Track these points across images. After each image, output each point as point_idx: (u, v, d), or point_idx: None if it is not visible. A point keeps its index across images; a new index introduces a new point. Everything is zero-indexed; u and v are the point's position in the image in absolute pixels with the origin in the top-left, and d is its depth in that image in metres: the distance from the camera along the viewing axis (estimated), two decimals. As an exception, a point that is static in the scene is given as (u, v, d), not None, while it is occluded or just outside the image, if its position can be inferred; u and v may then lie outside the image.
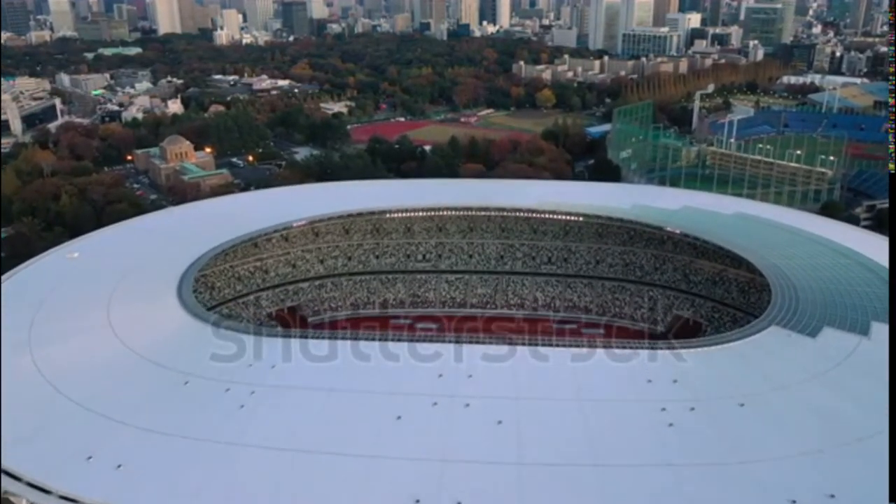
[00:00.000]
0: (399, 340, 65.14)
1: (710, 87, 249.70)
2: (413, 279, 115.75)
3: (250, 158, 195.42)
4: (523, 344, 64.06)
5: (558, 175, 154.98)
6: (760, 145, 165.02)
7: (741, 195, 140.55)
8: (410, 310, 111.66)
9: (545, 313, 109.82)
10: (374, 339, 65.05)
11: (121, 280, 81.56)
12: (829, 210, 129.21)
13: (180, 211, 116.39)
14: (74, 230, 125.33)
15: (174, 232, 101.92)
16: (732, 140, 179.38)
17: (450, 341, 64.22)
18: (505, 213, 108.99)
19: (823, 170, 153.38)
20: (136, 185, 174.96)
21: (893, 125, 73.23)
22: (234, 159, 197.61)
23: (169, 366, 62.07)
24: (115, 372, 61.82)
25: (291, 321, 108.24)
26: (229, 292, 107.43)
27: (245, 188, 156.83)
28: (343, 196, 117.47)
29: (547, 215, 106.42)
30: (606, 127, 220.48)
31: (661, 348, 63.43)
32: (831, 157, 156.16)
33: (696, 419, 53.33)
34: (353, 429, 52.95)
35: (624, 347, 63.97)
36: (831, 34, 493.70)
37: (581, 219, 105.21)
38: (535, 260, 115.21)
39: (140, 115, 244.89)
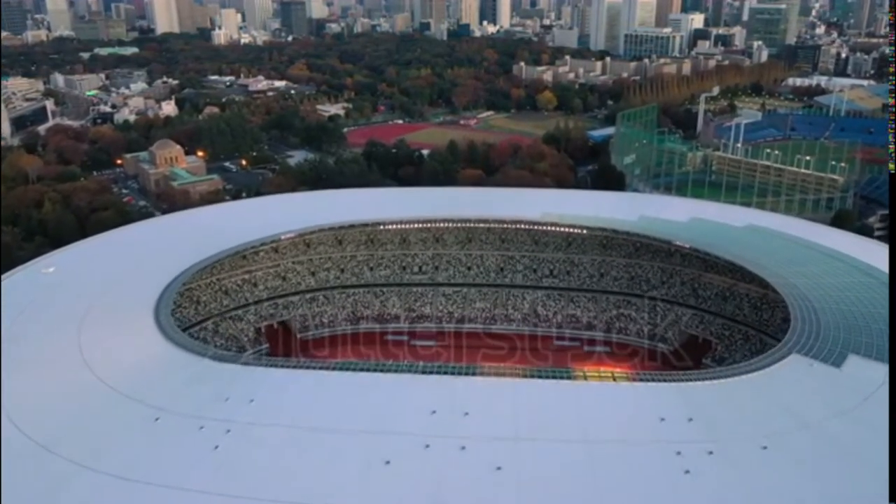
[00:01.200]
0: (388, 371, 59.93)
1: (716, 90, 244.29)
2: (409, 292, 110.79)
3: (243, 163, 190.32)
4: (524, 375, 58.90)
5: (560, 182, 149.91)
6: (768, 150, 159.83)
7: (750, 204, 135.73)
8: (406, 325, 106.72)
9: (547, 329, 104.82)
10: (361, 370, 59.98)
11: (96, 299, 76.92)
12: (841, 220, 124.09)
13: (166, 221, 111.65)
14: (57, 240, 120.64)
15: (158, 244, 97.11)
16: (739, 145, 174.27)
17: (444, 372, 59.05)
18: (505, 226, 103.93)
19: (834, 176, 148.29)
20: (125, 191, 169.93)
21: (893, 125, 73.53)
22: (227, 163, 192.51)
23: (140, 399, 57.15)
24: (82, 407, 56.93)
25: (281, 337, 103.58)
26: (216, 307, 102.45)
27: (236, 194, 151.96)
28: (336, 205, 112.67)
29: (549, 228, 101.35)
30: (609, 130, 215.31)
31: (674, 380, 58.40)
32: (842, 164, 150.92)
33: (715, 465, 48.35)
34: (338, 475, 47.99)
35: (633, 379, 58.78)
36: (835, 35, 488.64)
37: (585, 231, 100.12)
38: (536, 272, 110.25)
39: (133, 117, 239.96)
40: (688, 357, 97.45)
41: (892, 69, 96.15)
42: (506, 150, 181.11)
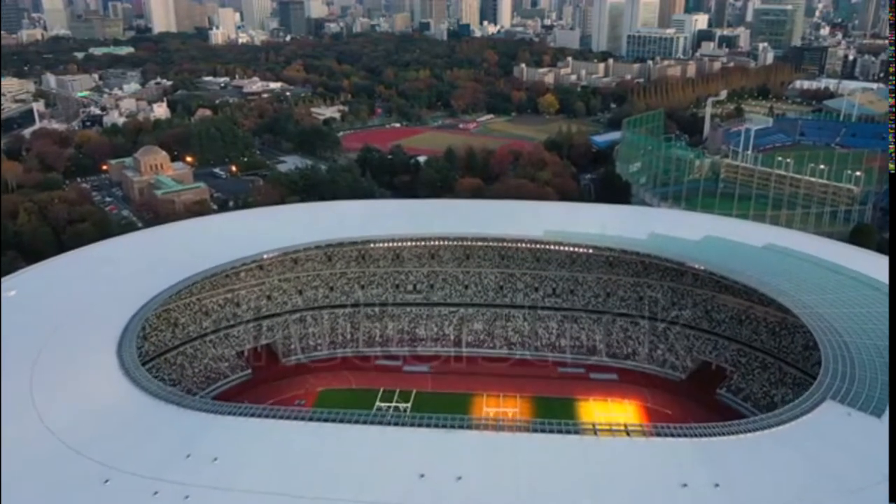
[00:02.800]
0: (373, 423, 52.95)
1: (723, 94, 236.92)
2: (402, 312, 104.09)
3: (233, 169, 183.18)
4: (525, 429, 51.99)
5: (563, 191, 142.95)
6: (780, 157, 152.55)
7: (764, 217, 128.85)
8: (398, 348, 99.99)
9: (549, 355, 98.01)
10: (342, 421, 53.01)
11: (57, 328, 70.16)
12: (861, 235, 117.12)
13: (144, 236, 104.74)
14: (32, 254, 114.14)
15: (133, 262, 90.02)
16: (749, 152, 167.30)
17: (436, 425, 52.16)
18: (505, 244, 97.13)
19: (850, 186, 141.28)
20: (108, 199, 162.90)
21: (893, 125, 72.74)
22: (217, 169, 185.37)
23: (90, 455, 50.52)
24: (25, 464, 50.19)
25: (265, 361, 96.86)
26: (195, 329, 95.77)
27: (223, 204, 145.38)
28: (326, 219, 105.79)
29: (552, 247, 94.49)
30: (613, 135, 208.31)
31: (695, 434, 51.52)
32: (857, 173, 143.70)
33: (749, 545, 41.57)
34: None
35: (649, 433, 51.85)
36: (839, 36, 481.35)
37: (591, 251, 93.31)
38: (537, 291, 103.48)
39: (123, 120, 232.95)
40: (701, 386, 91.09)
41: (892, 69, 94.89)
42: (506, 157, 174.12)
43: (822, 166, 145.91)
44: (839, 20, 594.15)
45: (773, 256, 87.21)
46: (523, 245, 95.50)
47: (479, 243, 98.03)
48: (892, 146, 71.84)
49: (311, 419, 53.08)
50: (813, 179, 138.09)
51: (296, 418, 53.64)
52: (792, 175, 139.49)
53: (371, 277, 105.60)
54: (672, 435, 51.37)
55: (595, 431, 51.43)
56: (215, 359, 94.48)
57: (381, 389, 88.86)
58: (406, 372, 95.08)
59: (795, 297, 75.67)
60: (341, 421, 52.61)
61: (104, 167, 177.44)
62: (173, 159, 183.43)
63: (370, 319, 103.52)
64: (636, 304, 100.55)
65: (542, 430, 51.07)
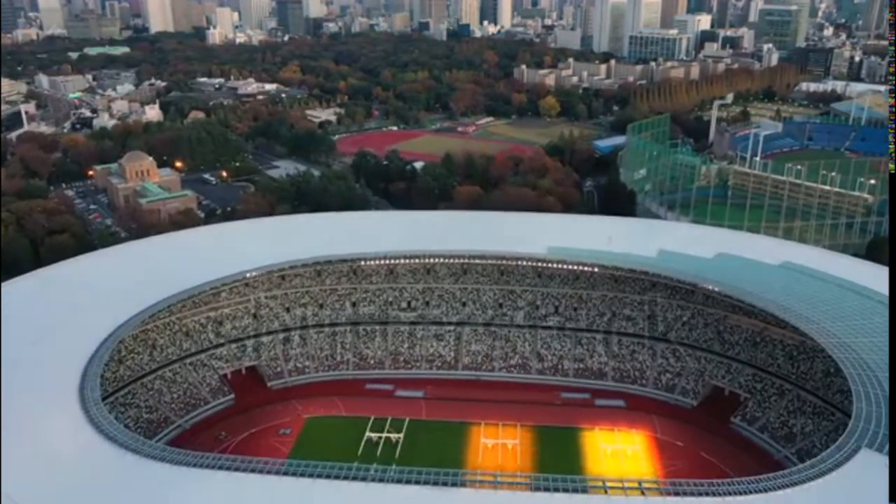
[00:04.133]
0: (354, 479, 46.96)
1: (730, 97, 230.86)
2: (395, 332, 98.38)
3: (224, 174, 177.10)
4: (526, 487, 46.14)
5: (565, 200, 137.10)
6: (790, 164, 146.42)
7: (776, 227, 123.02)
8: (391, 371, 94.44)
9: (551, 378, 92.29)
10: (320, 476, 47.09)
11: (16, 361, 63.82)
12: (879, 249, 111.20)
13: (123, 252, 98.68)
14: (8, 267, 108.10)
15: (108, 281, 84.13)
16: (758, 158, 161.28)
17: (425, 481, 46.24)
18: (505, 262, 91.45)
19: (864, 195, 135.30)
20: (92, 206, 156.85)
21: (893, 125, 72.75)
22: (207, 175, 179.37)
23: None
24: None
25: (249, 386, 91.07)
26: (174, 351, 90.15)
27: (211, 213, 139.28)
28: (315, 233, 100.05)
29: (556, 265, 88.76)
30: (616, 140, 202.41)
31: (720, 493, 45.66)
32: (872, 181, 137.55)
33: None
34: None
35: (667, 492, 45.92)
36: (843, 36, 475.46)
37: (597, 270, 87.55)
38: (539, 310, 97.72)
39: (113, 123, 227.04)
40: (713, 414, 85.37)
41: (892, 69, 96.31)
42: (506, 163, 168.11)
43: (833, 174, 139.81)
44: (843, 20, 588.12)
45: (791, 277, 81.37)
46: (525, 263, 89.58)
47: (478, 261, 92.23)
48: (892, 146, 71.70)
49: (285, 473, 47.10)
50: (827, 188, 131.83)
51: (268, 472, 47.67)
52: (806, 183, 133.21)
53: (363, 294, 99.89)
54: (692, 493, 45.50)
55: (605, 489, 45.66)
56: (196, 383, 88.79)
57: (372, 418, 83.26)
58: (399, 397, 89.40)
59: (820, 325, 69.88)
60: (319, 476, 46.64)
61: (90, 173, 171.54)
62: (163, 164, 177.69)
63: (362, 339, 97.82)
64: (644, 323, 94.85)
65: (545, 489, 45.17)
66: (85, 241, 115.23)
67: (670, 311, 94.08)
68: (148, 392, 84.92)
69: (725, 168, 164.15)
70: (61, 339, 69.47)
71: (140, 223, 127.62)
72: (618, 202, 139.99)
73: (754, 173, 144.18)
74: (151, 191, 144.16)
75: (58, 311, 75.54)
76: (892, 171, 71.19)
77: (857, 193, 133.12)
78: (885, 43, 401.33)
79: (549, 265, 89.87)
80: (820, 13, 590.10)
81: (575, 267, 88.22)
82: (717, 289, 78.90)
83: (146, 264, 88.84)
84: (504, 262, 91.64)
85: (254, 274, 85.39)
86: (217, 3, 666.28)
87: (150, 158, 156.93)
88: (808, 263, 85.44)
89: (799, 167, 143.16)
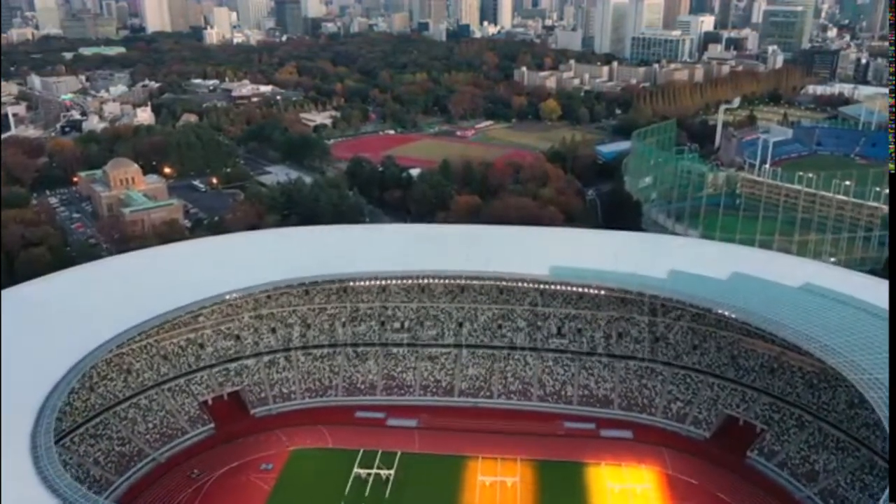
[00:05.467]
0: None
1: (736, 102, 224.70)
2: (388, 354, 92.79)
3: (214, 181, 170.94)
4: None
5: (567, 210, 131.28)
6: (801, 172, 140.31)
7: (792, 243, 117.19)
8: (383, 397, 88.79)
9: (554, 406, 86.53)
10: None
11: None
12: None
13: (98, 268, 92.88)
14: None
15: (77, 303, 78.28)
16: (767, 165, 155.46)
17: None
18: (504, 283, 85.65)
19: (881, 206, 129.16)
20: (76, 215, 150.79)
21: (893, 125, 73.43)
22: (197, 182, 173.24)
23: None
24: None
25: (231, 414, 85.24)
26: (151, 376, 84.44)
27: (197, 223, 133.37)
28: (303, 249, 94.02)
29: (559, 287, 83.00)
30: (619, 145, 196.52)
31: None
32: (886, 190, 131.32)
33: None
34: None
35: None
36: (847, 38, 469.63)
37: (603, 292, 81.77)
38: (541, 331, 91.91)
39: (102, 126, 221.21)
40: (728, 447, 79.54)
41: (892, 69, 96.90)
42: (505, 170, 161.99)
43: (848, 182, 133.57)
44: (846, 21, 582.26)
45: (812, 301, 75.31)
46: (526, 284, 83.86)
47: (475, 282, 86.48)
48: (892, 146, 72.18)
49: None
50: (844, 198, 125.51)
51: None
52: (822, 193, 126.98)
53: (353, 314, 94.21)
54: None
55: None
56: (174, 411, 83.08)
57: (361, 450, 77.75)
58: (390, 427, 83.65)
59: (847, 357, 64.00)
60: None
61: (76, 179, 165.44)
62: (151, 170, 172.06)
63: (352, 362, 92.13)
64: (652, 346, 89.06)
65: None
66: (63, 255, 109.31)
67: (680, 333, 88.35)
68: (121, 422, 79.31)
69: (733, 175, 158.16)
70: (23, 368, 63.51)
71: (122, 234, 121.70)
72: (622, 213, 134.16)
73: (768, 183, 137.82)
74: (136, 200, 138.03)
75: (23, 335, 69.70)
76: (892, 171, 71.79)
77: (874, 204, 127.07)
78: (886, 44, 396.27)
79: (553, 288, 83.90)
80: (823, 14, 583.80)
81: (580, 289, 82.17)
82: (734, 315, 72.93)
83: (121, 284, 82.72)
84: (504, 283, 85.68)
85: (234, 296, 79.33)
86: (215, 2, 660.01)
87: (136, 165, 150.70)
88: (830, 284, 79.30)
89: (811, 175, 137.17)
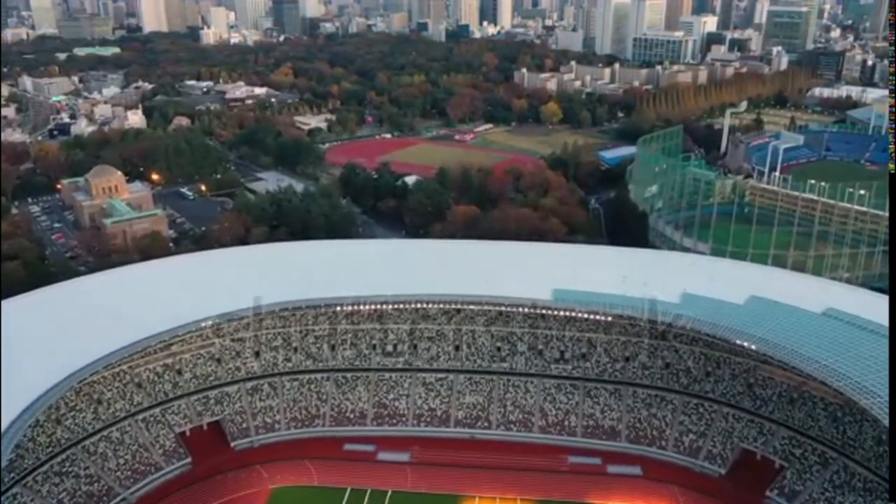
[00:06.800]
0: None
1: (743, 105, 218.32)
2: (379, 380, 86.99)
3: (203, 188, 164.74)
4: None
5: (569, 221, 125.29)
6: (812, 180, 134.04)
7: (807, 260, 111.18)
8: (373, 428, 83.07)
9: (557, 438, 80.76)
10: None
11: None
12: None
13: (68, 289, 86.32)
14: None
15: (42, 329, 72.29)
16: (777, 173, 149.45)
17: None
18: (504, 308, 79.89)
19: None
20: (56, 225, 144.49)
21: (893, 125, 75.28)
22: (185, 189, 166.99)
23: None
24: None
25: (210, 446, 79.32)
26: (123, 406, 78.65)
27: (182, 234, 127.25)
28: (288, 267, 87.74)
29: (563, 313, 77.23)
30: (623, 151, 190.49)
31: None
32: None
33: None
34: None
35: None
36: (851, 38, 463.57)
37: (610, 319, 76.00)
38: (542, 356, 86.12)
39: (91, 129, 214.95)
40: (744, 485, 73.74)
41: (892, 69, 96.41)
42: (505, 178, 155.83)
43: (861, 192, 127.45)
44: (849, 21, 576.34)
45: (838, 329, 69.54)
46: (526, 310, 78.09)
47: (473, 307, 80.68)
48: (892, 146, 72.29)
49: None
50: (864, 209, 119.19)
51: None
52: (840, 204, 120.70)
53: (343, 336, 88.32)
54: None
55: None
56: (148, 444, 77.33)
57: (349, 489, 72.26)
58: (381, 461, 77.97)
59: (878, 396, 58.05)
60: None
61: (59, 187, 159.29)
62: (138, 176, 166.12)
63: (341, 388, 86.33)
64: (661, 372, 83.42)
65: None
66: (38, 271, 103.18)
67: (692, 358, 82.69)
68: (90, 457, 73.59)
69: (741, 183, 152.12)
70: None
71: (103, 247, 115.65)
72: (627, 224, 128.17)
73: (782, 192, 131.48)
74: (118, 210, 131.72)
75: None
76: (892, 171, 70.68)
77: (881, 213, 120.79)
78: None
79: (557, 314, 78.14)
80: (826, 14, 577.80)
81: (585, 315, 76.34)
82: (754, 347, 67.04)
83: (92, 306, 76.81)
84: (503, 307, 79.88)
85: (209, 323, 73.39)
86: (213, 2, 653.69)
87: (119, 173, 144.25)
88: (854, 309, 73.39)
89: (823, 183, 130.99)
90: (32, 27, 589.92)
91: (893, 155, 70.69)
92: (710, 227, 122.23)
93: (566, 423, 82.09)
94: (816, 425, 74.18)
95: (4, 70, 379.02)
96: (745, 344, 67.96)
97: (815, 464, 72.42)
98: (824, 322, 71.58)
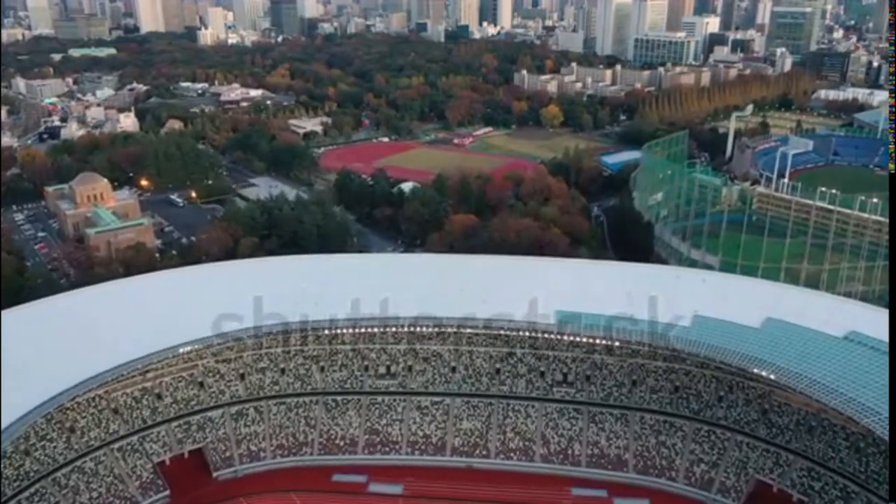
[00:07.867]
0: None
1: (748, 109, 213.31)
2: (371, 404, 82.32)
3: (193, 195, 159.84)
4: None
5: (572, 231, 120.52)
6: (823, 188, 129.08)
7: (821, 274, 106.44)
8: (364, 456, 78.45)
9: (559, 468, 76.09)
10: None
11: None
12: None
13: (41, 309, 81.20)
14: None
15: (8, 355, 67.12)
16: (786, 179, 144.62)
17: None
18: (504, 332, 75.15)
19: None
20: (40, 234, 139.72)
21: (893, 125, 77.40)
22: (174, 195, 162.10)
23: None
24: None
25: (190, 477, 74.62)
26: (98, 435, 73.87)
27: (170, 243, 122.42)
28: (275, 285, 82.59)
29: (567, 337, 72.56)
30: (625, 155, 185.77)
31: None
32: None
33: None
34: None
35: None
36: (854, 39, 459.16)
37: (618, 344, 71.29)
38: (544, 378, 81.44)
39: (81, 133, 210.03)
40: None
41: (891, 69, 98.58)
42: (504, 184, 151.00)
43: (874, 199, 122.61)
44: (852, 22, 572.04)
45: (862, 356, 64.72)
46: (527, 334, 73.41)
47: (469, 330, 75.92)
48: (892, 146, 73.53)
49: None
50: (881, 219, 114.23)
51: None
52: (856, 213, 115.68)
53: (333, 356, 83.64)
54: None
55: None
56: (123, 476, 72.67)
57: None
58: (372, 494, 73.18)
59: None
60: None
61: (45, 193, 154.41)
62: (128, 181, 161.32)
63: (330, 413, 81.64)
64: (671, 397, 78.69)
65: None
66: (16, 286, 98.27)
67: (702, 382, 78.00)
68: (60, 491, 68.95)
69: (749, 190, 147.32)
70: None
71: (86, 258, 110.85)
72: (632, 234, 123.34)
73: (795, 200, 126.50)
74: (103, 219, 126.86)
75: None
76: (892, 171, 71.73)
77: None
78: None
79: (559, 337, 73.44)
80: (828, 15, 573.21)
81: (591, 339, 71.65)
82: (773, 376, 62.30)
83: (64, 329, 71.91)
84: (503, 332, 75.13)
85: (187, 349, 68.61)
86: (211, 2, 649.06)
87: (105, 181, 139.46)
88: (877, 332, 68.45)
89: (834, 191, 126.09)
90: (29, 27, 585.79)
91: (893, 155, 71.44)
92: (719, 238, 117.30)
93: (569, 451, 77.42)
94: (837, 457, 69.49)
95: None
96: (763, 373, 63.10)
97: (836, 498, 67.78)
98: (846, 347, 66.71)
